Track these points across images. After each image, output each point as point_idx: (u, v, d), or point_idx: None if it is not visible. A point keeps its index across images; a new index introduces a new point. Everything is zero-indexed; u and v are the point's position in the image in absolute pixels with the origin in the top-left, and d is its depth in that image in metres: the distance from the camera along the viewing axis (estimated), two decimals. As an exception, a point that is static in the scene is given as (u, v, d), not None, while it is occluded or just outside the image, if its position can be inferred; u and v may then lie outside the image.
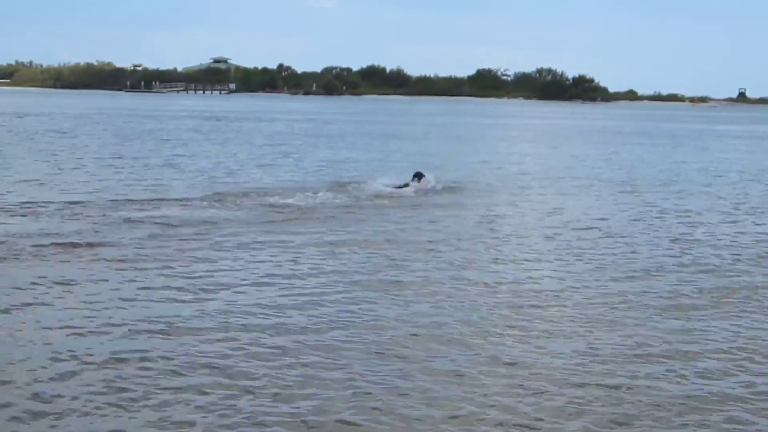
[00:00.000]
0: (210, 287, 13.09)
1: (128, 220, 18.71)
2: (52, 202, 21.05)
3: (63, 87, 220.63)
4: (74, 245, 15.62)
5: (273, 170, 31.67)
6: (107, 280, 13.37)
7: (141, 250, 15.54)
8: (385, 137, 55.70)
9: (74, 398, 8.56)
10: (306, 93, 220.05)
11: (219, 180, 27.89)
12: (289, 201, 22.87)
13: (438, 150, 45.71)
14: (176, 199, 22.66)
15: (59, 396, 8.62)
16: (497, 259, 16.12)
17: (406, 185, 26.22)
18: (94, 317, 11.28)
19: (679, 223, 21.61)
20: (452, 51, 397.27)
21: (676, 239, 18.87)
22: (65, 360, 9.63)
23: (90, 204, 21.19)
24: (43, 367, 9.36)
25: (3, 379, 8.99)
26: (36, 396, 8.60)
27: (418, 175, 26.68)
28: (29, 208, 20.09)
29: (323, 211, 21.45)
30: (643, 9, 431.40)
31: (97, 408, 8.36)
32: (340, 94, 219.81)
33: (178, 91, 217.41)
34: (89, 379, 9.08)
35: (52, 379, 9.08)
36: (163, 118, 74.59)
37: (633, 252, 17.11)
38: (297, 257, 15.50)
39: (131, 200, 22.21)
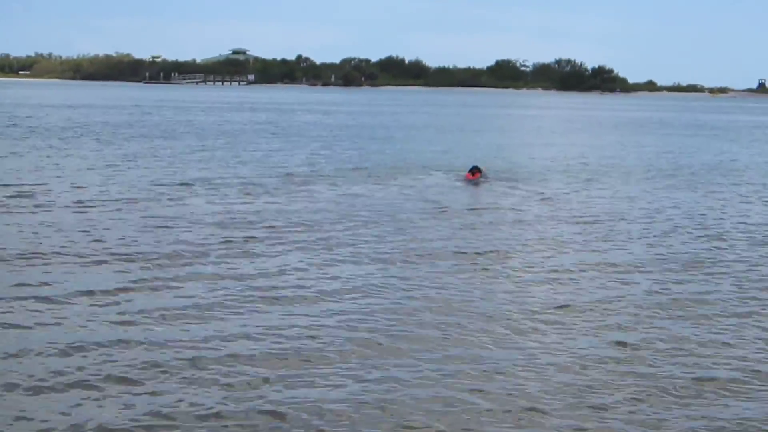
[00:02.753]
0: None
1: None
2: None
3: (82, 78, 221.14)
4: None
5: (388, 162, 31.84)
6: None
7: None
8: (452, 130, 55.83)
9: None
10: (325, 84, 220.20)
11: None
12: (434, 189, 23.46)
13: (505, 142, 45.83)
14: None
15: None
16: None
17: None
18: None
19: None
20: (471, 41, 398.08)
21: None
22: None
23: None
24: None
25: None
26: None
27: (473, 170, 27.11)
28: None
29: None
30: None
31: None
32: (359, 85, 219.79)
33: (197, 82, 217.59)
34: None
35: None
36: (216, 111, 74.89)
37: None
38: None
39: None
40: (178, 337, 10.32)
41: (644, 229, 18.88)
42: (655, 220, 20.19)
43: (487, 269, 14.46)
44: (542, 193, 24.56)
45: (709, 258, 15.85)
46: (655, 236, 17.93)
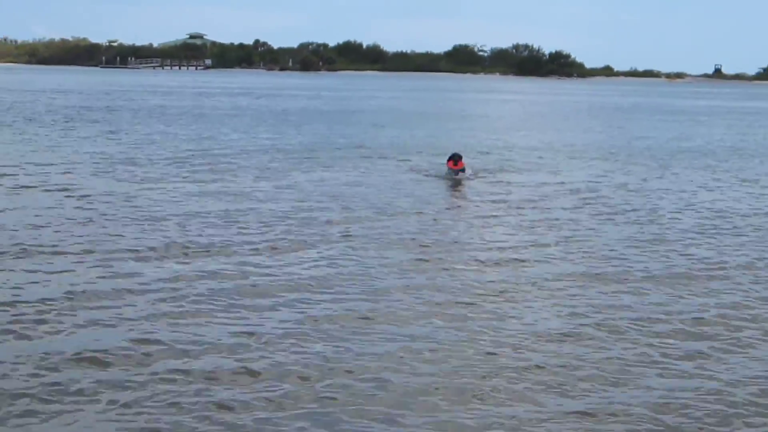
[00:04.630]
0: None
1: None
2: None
3: (38, 63, 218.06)
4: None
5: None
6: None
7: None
8: (437, 117, 55.92)
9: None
10: (282, 69, 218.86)
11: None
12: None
13: (489, 128, 46.09)
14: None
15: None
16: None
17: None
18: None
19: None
20: (428, 26, 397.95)
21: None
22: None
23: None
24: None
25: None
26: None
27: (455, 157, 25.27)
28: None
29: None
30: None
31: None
32: (317, 70, 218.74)
33: (153, 67, 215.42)
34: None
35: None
36: (195, 96, 74.39)
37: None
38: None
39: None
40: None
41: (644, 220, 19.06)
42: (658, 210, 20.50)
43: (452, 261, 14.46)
44: (529, 183, 24.58)
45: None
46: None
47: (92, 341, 9.88)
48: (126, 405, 8.25)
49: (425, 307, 11.63)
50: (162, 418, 8.03)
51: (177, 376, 8.96)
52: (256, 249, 14.64)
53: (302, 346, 9.96)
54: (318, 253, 14.48)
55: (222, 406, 8.30)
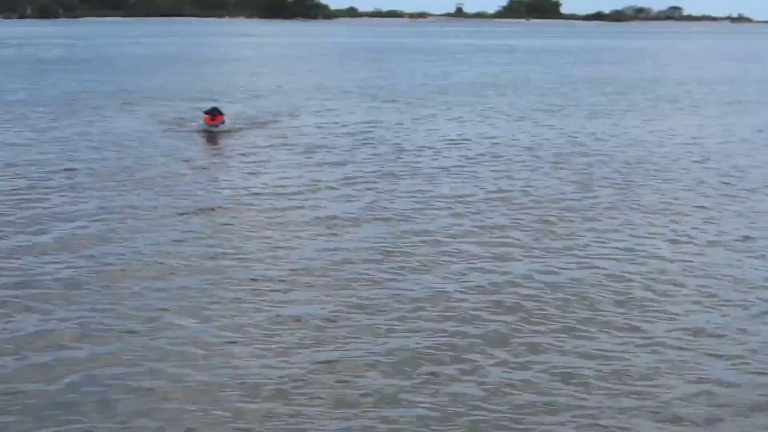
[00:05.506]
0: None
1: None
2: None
3: None
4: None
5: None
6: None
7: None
8: (195, 62, 55.47)
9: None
10: (21, 17, 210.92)
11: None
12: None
13: (243, 71, 46.26)
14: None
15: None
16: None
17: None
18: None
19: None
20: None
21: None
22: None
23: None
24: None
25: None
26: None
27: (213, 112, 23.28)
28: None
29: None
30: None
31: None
32: (57, 17, 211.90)
33: None
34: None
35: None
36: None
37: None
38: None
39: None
40: None
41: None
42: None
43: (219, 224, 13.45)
44: (298, 128, 23.94)
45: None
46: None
47: None
48: None
49: (198, 285, 10.58)
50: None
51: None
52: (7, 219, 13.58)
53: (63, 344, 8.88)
54: (70, 221, 13.41)
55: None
